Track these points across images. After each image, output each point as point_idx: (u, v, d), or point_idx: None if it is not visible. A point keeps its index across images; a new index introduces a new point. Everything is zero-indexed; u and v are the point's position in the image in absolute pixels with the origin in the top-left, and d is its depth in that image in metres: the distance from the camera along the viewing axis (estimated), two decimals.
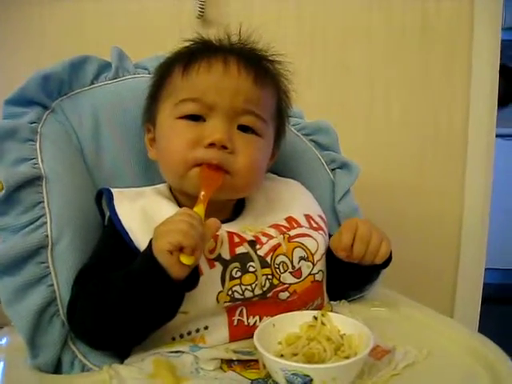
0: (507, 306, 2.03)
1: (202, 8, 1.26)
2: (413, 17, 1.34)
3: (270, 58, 0.76)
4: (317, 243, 0.73)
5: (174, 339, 0.64)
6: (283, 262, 0.69)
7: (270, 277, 0.68)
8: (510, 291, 2.18)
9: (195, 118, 0.70)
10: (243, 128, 0.71)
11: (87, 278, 0.64)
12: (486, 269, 1.43)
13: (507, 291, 2.16)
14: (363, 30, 1.35)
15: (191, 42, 0.75)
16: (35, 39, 1.31)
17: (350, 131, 1.06)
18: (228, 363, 0.61)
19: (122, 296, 0.59)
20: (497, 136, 1.39)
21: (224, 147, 0.67)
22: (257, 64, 0.73)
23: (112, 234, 0.68)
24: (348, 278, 0.77)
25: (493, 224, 1.43)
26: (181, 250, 0.55)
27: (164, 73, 0.75)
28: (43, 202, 0.70)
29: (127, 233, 0.66)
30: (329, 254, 0.74)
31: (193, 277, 0.59)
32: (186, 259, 0.55)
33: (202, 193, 0.65)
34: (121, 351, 0.64)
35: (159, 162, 0.75)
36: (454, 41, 1.34)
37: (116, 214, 0.68)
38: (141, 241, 0.64)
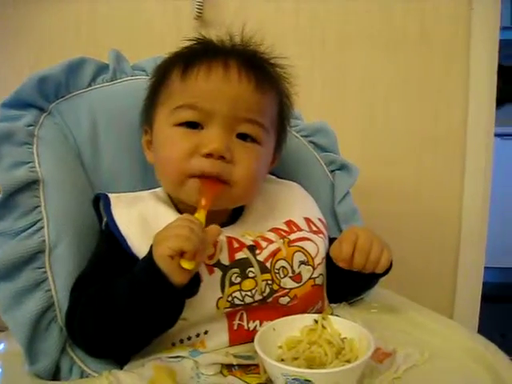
0: (507, 305, 2.03)
1: (200, 9, 1.26)
2: (411, 18, 1.33)
3: (271, 61, 0.74)
4: (317, 247, 0.73)
5: (173, 344, 0.64)
6: (283, 267, 0.68)
7: (270, 282, 0.67)
8: (509, 290, 2.18)
9: (192, 125, 0.67)
10: (242, 136, 0.69)
11: (86, 285, 0.63)
12: (485, 268, 1.43)
13: (507, 290, 2.16)
14: (362, 31, 1.34)
15: (192, 42, 0.73)
16: (30, 40, 1.30)
17: (348, 133, 1.06)
18: (228, 368, 0.60)
19: (123, 303, 0.58)
20: (494, 135, 1.39)
21: (222, 157, 0.65)
22: (258, 68, 0.70)
23: (109, 239, 0.67)
24: (348, 285, 0.76)
25: (492, 223, 1.43)
26: (181, 255, 0.55)
27: (162, 75, 0.73)
28: (40, 206, 0.69)
29: (125, 239, 0.65)
30: (329, 260, 0.73)
31: (193, 283, 0.58)
32: (186, 264, 0.55)
33: (203, 200, 0.64)
34: (119, 358, 0.64)
35: (155, 167, 0.74)
36: (452, 42, 1.34)
37: (113, 220, 0.67)
38: (138, 247, 0.64)
